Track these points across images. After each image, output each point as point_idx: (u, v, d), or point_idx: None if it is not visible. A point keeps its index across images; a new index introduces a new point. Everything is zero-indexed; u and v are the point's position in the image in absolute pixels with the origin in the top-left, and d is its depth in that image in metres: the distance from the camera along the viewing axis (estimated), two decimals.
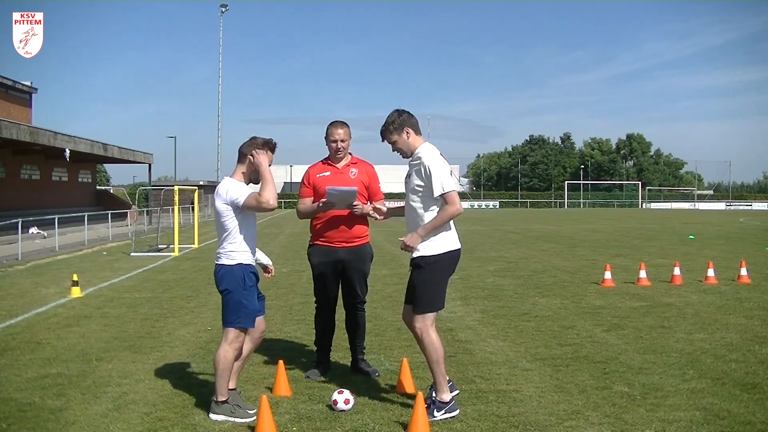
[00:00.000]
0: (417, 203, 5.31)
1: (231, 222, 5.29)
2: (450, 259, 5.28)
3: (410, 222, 5.40)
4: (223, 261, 5.34)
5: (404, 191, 5.60)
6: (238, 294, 5.26)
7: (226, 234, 5.32)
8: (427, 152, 5.28)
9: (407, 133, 5.35)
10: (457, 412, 5.16)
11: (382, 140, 5.47)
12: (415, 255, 5.26)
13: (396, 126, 5.34)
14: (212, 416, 5.18)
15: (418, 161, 5.28)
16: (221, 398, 5.21)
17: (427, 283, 5.21)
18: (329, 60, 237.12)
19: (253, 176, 5.40)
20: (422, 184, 5.23)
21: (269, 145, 5.41)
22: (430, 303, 5.21)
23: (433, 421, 4.98)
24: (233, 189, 5.26)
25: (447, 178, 5.17)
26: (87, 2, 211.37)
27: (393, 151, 5.47)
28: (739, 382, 6.03)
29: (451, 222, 5.33)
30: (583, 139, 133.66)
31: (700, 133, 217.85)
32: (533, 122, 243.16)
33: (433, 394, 5.19)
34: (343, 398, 5.30)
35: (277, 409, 5.27)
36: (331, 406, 5.32)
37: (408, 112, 5.41)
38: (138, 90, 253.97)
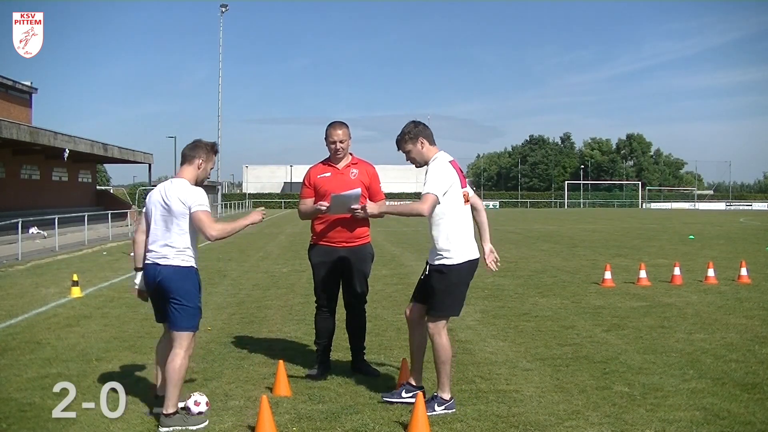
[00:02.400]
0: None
1: (188, 224, 5.18)
2: (468, 268, 5.44)
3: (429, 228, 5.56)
4: (180, 262, 5.16)
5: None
6: (196, 297, 5.22)
7: (182, 234, 5.17)
8: (437, 160, 5.47)
9: (421, 143, 5.53)
10: (454, 410, 5.31)
11: (398, 149, 5.67)
12: (434, 262, 5.40)
13: (411, 136, 5.53)
14: (162, 430, 4.96)
15: (427, 167, 5.50)
16: (171, 410, 5.01)
17: (445, 291, 5.36)
18: (330, 60, 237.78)
19: (200, 181, 5.42)
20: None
21: (215, 150, 5.49)
22: (446, 309, 5.40)
23: (432, 415, 5.12)
24: (191, 194, 5.19)
25: (435, 182, 5.28)
26: (87, 2, 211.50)
27: (407, 160, 5.67)
28: (739, 382, 6.03)
29: (472, 231, 5.50)
30: (583, 139, 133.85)
31: (700, 133, 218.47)
32: (534, 122, 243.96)
33: (404, 383, 5.63)
34: (193, 402, 5.09)
35: (277, 409, 5.27)
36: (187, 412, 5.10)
37: (423, 124, 5.62)
38: (138, 90, 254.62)
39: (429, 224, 5.45)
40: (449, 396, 5.34)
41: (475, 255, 5.48)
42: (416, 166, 5.68)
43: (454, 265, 5.33)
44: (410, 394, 5.44)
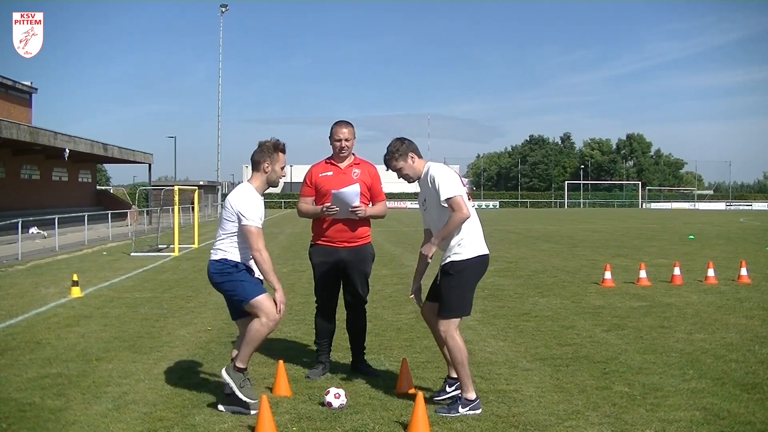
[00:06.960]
0: (432, 217, 5.49)
1: (232, 226, 5.40)
2: (478, 264, 5.42)
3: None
4: (214, 257, 5.43)
5: (419, 209, 5.77)
6: (232, 277, 5.36)
7: (224, 234, 5.43)
8: (433, 165, 5.49)
9: (411, 158, 5.56)
10: (480, 410, 5.28)
11: (387, 169, 5.68)
12: (445, 261, 5.39)
13: (401, 153, 5.54)
14: (224, 374, 5.33)
15: (425, 176, 5.48)
16: (240, 365, 5.34)
17: (455, 290, 5.34)
18: (331, 60, 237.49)
19: (271, 183, 5.55)
20: (431, 196, 5.41)
21: (279, 148, 5.55)
22: (456, 309, 5.37)
23: (458, 417, 5.16)
24: (247, 204, 5.32)
25: (451, 185, 5.30)
26: (87, 2, 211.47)
27: (399, 177, 5.65)
28: (739, 382, 6.03)
29: (479, 228, 5.50)
30: (583, 139, 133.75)
31: (700, 133, 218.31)
32: (534, 122, 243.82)
33: (444, 391, 5.58)
34: (333, 395, 5.35)
35: (277, 409, 5.27)
36: (328, 408, 5.32)
37: (408, 140, 5.64)
38: (138, 90, 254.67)
39: (437, 225, 5.42)
40: (474, 396, 5.29)
41: (485, 251, 5.47)
42: (409, 182, 5.67)
43: (465, 260, 5.32)
44: (453, 387, 5.55)
